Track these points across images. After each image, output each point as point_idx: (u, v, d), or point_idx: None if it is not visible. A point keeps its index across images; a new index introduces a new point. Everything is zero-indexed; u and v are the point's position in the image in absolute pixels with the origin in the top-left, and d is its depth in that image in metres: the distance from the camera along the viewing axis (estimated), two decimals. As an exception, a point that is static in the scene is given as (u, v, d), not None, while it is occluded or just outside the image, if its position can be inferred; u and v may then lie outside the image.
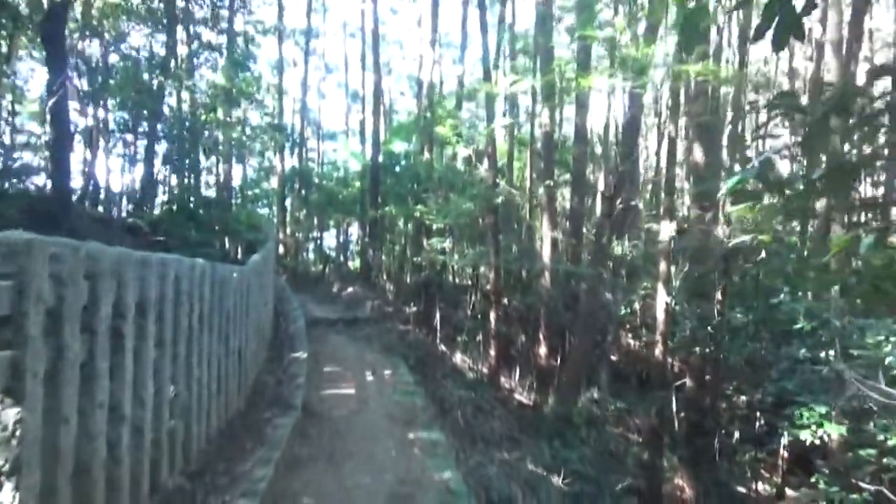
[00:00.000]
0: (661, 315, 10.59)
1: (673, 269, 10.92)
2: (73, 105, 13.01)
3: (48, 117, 10.45)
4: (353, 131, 30.14)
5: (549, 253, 12.43)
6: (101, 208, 14.58)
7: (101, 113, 17.32)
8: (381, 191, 17.80)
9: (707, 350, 10.59)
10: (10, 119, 14.53)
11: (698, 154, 11.66)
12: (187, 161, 15.90)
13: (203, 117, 14.59)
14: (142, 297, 3.47)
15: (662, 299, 10.49)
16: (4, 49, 14.18)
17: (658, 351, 10.59)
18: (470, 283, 15.62)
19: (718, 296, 10.18)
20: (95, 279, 2.91)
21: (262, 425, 6.22)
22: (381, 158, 18.20)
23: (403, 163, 17.58)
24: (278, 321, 11.76)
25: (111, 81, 15.08)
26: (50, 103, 8.97)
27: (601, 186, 15.78)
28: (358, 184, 22.13)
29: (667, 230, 10.55)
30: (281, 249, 22.98)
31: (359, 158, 24.59)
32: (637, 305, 14.10)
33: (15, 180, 14.66)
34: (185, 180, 17.03)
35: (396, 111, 31.87)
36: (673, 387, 11.34)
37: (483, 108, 22.80)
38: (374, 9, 21.99)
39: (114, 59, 16.50)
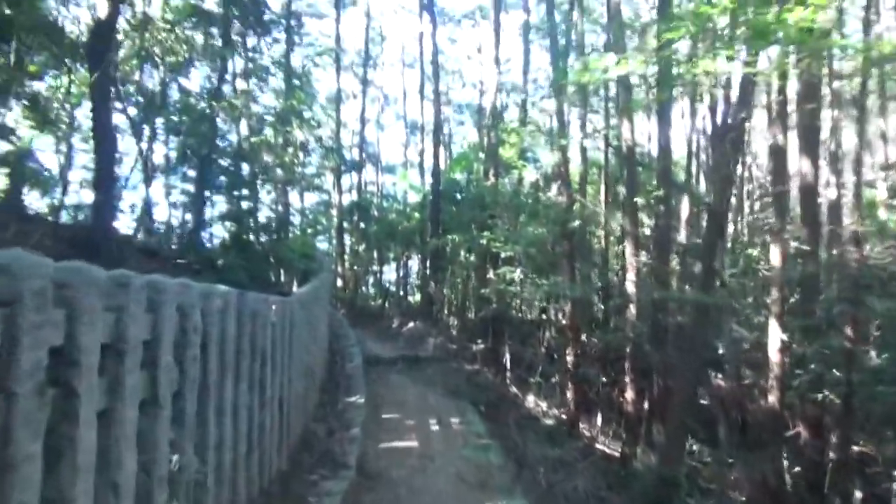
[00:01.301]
0: (774, 355, 8.96)
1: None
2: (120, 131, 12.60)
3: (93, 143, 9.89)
4: (413, 163, 29.49)
5: (633, 282, 10.99)
6: (152, 241, 14.05)
7: (157, 146, 17.16)
8: (442, 220, 16.77)
9: (832, 397, 8.85)
10: (68, 153, 14.29)
11: (806, 166, 10.11)
12: (243, 190, 15.31)
13: (254, 140, 13.95)
14: (115, 334, 2.39)
15: (776, 335, 8.87)
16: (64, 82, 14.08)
17: (773, 397, 8.91)
18: (541, 317, 14.25)
19: (848, 330, 8.49)
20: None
21: (306, 492, 5.07)
22: (441, 186, 17.22)
23: (465, 189, 16.54)
24: (333, 359, 10.72)
25: (167, 109, 14.73)
26: (92, 126, 8.30)
27: (684, 211, 14.25)
28: (418, 215, 21.26)
29: (777, 253, 8.99)
30: (339, 283, 22.20)
31: (417, 190, 23.80)
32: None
33: (72, 215, 14.42)
34: (240, 210, 16.44)
35: (455, 142, 31.11)
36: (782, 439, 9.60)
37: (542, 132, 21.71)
38: (432, 37, 21.38)
39: (170, 90, 16.27)
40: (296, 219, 27.61)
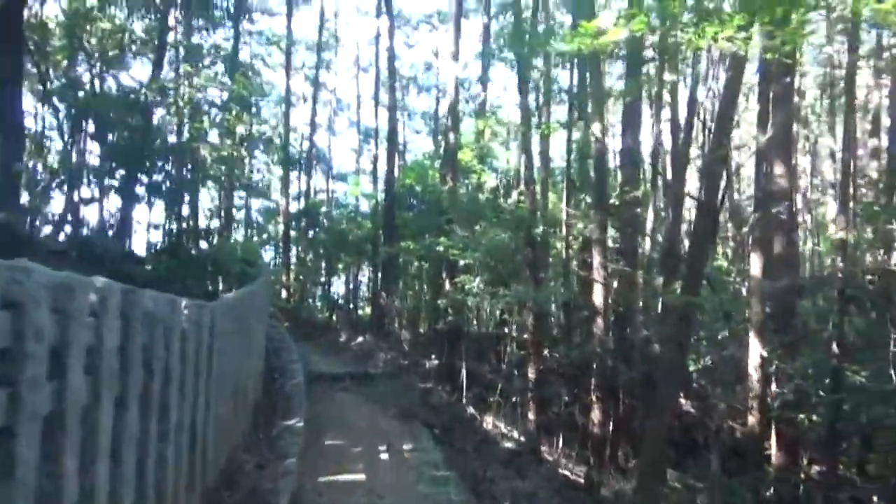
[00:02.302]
0: (753, 372, 8.32)
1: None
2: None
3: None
4: (365, 171, 28.41)
5: (600, 294, 10.25)
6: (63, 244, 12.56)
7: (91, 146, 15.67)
8: (395, 227, 15.79)
9: (812, 417, 8.24)
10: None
11: (779, 169, 9.58)
12: (179, 191, 14.01)
13: (193, 128, 12.64)
14: None
15: (756, 351, 8.23)
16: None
17: (753, 418, 8.25)
18: (500, 331, 13.38)
19: (834, 346, 7.91)
20: None
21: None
22: (395, 192, 16.27)
23: (420, 196, 15.63)
24: (272, 377, 9.55)
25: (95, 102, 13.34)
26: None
27: (650, 219, 13.69)
28: (370, 223, 20.21)
29: (758, 263, 8.38)
30: (284, 294, 20.87)
31: (370, 198, 22.77)
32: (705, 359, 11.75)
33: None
34: (177, 214, 15.13)
35: (410, 150, 30.23)
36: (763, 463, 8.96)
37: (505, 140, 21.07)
38: (390, 36, 20.50)
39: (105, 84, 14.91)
40: (239, 226, 26.26)
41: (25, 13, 13.01)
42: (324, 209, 24.75)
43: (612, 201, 10.40)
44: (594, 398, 10.27)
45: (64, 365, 2.37)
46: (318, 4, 25.70)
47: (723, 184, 8.37)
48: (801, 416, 8.12)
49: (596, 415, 10.28)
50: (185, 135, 13.93)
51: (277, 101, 25.89)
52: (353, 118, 30.04)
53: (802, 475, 9.97)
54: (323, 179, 29.17)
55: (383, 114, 23.38)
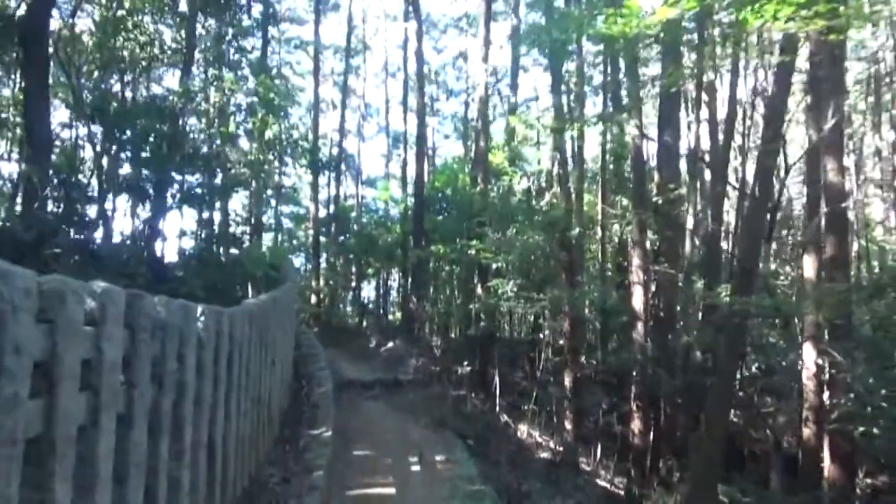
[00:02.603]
0: (808, 381, 7.77)
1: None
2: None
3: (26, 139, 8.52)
4: (395, 176, 28.23)
5: (640, 298, 9.79)
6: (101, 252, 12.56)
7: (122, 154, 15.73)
8: (425, 231, 15.51)
9: (873, 430, 7.65)
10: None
11: (832, 166, 9.01)
12: (210, 198, 13.94)
13: (219, 131, 12.52)
14: None
15: (811, 359, 7.69)
16: None
17: (808, 431, 7.70)
18: (533, 336, 12.94)
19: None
20: None
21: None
22: (425, 193, 16.00)
23: (450, 199, 15.30)
24: (299, 385, 9.33)
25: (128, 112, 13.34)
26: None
27: (689, 222, 13.13)
28: (399, 228, 19.97)
29: (811, 266, 7.84)
30: (314, 300, 20.74)
31: (399, 203, 22.58)
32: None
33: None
34: (206, 220, 15.07)
35: (440, 156, 29.97)
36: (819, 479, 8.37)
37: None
38: (418, 39, 20.28)
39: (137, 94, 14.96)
40: (270, 232, 26.31)
41: (56, 25, 13.12)
42: (353, 214, 24.63)
43: (652, 200, 9.93)
44: (634, 407, 9.79)
45: (52, 381, 2.11)
46: (346, 10, 25.71)
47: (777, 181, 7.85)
48: (861, 428, 7.55)
49: (636, 424, 9.81)
50: (215, 142, 13.90)
51: (307, 108, 25.91)
52: (382, 123, 29.94)
53: (858, 490, 9.38)
54: (353, 185, 29.10)
55: (412, 119, 23.16)
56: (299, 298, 14.57)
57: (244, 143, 13.91)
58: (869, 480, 10.48)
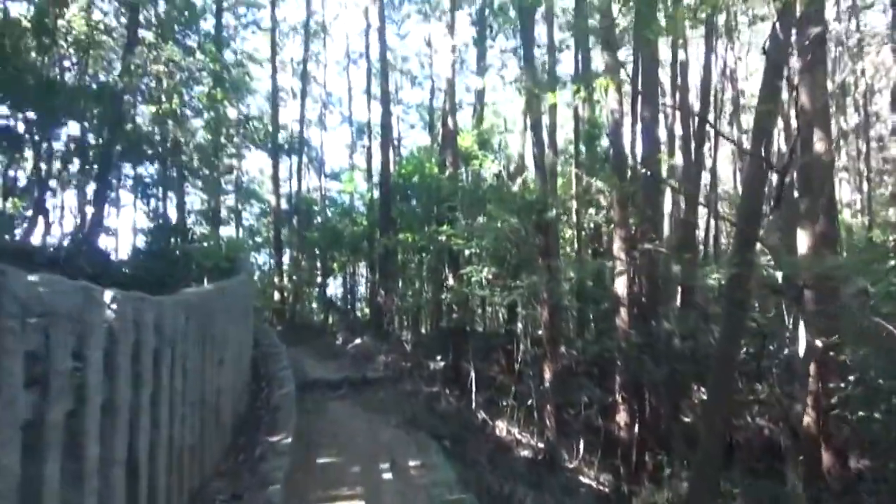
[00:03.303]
0: (805, 365, 7.29)
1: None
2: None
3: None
4: (360, 167, 27.31)
5: (623, 283, 9.21)
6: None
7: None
8: (392, 221, 14.73)
9: (874, 414, 7.22)
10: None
11: (819, 137, 8.55)
12: (156, 188, 12.95)
13: (160, 109, 11.51)
14: None
15: (807, 341, 7.20)
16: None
17: (808, 418, 7.21)
18: (510, 327, 12.29)
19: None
20: None
21: None
22: (392, 181, 15.22)
23: (417, 187, 14.56)
24: (258, 387, 8.51)
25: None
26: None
27: (668, 202, 12.64)
28: (366, 221, 19.14)
29: (805, 241, 7.35)
30: (277, 297, 19.77)
31: (365, 196, 21.75)
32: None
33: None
34: (161, 213, 14.06)
35: (405, 146, 29.17)
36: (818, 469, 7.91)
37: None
38: (380, 24, 19.43)
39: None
40: (230, 227, 25.22)
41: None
42: (316, 207, 23.70)
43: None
44: (620, 399, 9.23)
45: None
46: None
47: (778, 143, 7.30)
48: (860, 412, 7.09)
49: (622, 417, 9.25)
50: (164, 126, 12.88)
51: (266, 96, 24.78)
52: (345, 113, 29.01)
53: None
54: (315, 178, 28.08)
55: (376, 108, 22.31)
56: (256, 292, 13.65)
57: (196, 123, 12.91)
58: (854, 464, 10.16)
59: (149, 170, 14.59)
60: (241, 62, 20.47)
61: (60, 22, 13.56)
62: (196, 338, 4.64)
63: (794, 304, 7.62)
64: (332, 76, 30.33)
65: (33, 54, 14.20)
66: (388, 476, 5.95)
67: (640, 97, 11.02)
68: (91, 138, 12.57)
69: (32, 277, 2.36)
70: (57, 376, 2.41)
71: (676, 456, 9.15)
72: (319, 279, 21.99)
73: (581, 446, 10.34)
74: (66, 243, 11.76)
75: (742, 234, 6.05)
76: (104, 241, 13.33)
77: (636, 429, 9.58)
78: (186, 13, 13.72)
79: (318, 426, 7.68)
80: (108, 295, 3.00)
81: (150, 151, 12.90)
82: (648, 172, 8.78)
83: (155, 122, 12.00)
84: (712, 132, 15.98)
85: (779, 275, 9.90)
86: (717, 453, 5.90)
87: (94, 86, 11.97)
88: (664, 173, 12.51)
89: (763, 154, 6.15)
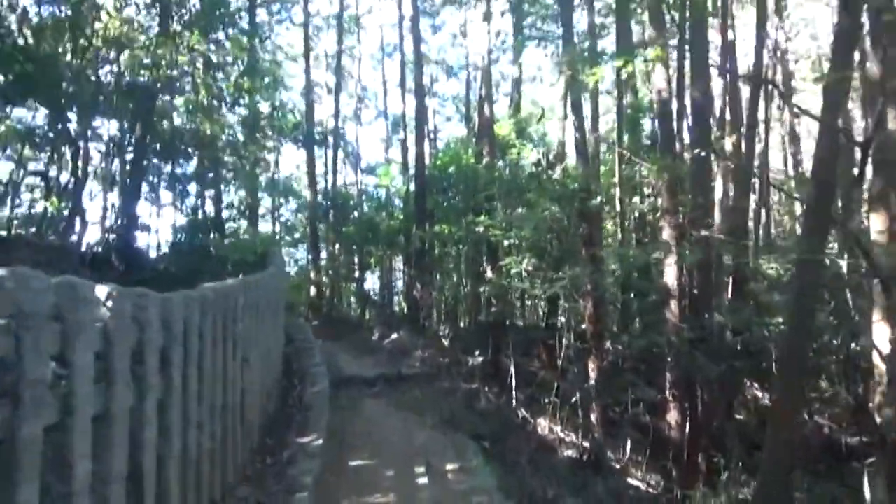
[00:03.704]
0: (880, 362, 6.64)
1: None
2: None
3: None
4: (395, 161, 27.03)
5: (673, 273, 8.64)
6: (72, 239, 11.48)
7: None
8: (428, 213, 14.37)
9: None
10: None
11: (893, 114, 7.80)
12: (190, 184, 12.86)
13: (187, 101, 11.37)
14: None
15: (884, 335, 6.54)
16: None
17: (881, 419, 6.56)
18: (552, 320, 11.81)
19: None
20: None
21: None
22: (427, 173, 14.86)
23: (454, 177, 14.15)
24: (290, 384, 8.26)
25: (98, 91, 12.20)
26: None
27: (719, 187, 11.94)
28: (402, 215, 18.86)
29: (879, 224, 6.67)
30: (313, 291, 19.67)
31: (401, 189, 21.45)
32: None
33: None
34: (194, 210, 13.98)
35: (441, 139, 28.75)
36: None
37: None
38: (414, 13, 19.07)
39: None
40: (266, 223, 25.27)
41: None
42: (352, 202, 23.53)
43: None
44: (671, 396, 8.67)
45: None
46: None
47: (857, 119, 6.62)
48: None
49: (673, 416, 8.70)
50: (197, 122, 12.75)
51: (301, 92, 24.68)
52: (381, 107, 28.75)
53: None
54: (352, 173, 27.96)
55: (411, 101, 21.95)
56: (288, 287, 13.45)
57: (231, 118, 12.74)
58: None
59: (185, 167, 14.59)
60: (275, 60, 20.33)
61: (98, 25, 13.57)
62: (215, 335, 4.34)
63: (860, 295, 6.94)
64: (366, 70, 30.01)
65: (69, 56, 14.30)
66: (423, 481, 5.59)
67: (686, 78, 10.38)
68: (126, 136, 12.52)
69: (5, 272, 2.04)
70: (30, 386, 2.08)
71: (733, 457, 8.56)
72: (357, 274, 21.83)
73: (628, 446, 9.82)
74: (99, 241, 11.73)
75: (814, 214, 5.46)
76: (141, 239, 13.32)
77: (687, 428, 9.01)
78: (220, 11, 13.61)
79: (351, 426, 7.36)
80: (101, 291, 2.68)
81: (183, 147, 12.79)
82: (702, 153, 8.17)
83: (186, 113, 11.85)
84: (762, 116, 15.15)
85: (843, 263, 9.17)
86: (787, 460, 5.35)
87: (128, 81, 11.87)
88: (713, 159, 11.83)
89: (833, 124, 5.54)
